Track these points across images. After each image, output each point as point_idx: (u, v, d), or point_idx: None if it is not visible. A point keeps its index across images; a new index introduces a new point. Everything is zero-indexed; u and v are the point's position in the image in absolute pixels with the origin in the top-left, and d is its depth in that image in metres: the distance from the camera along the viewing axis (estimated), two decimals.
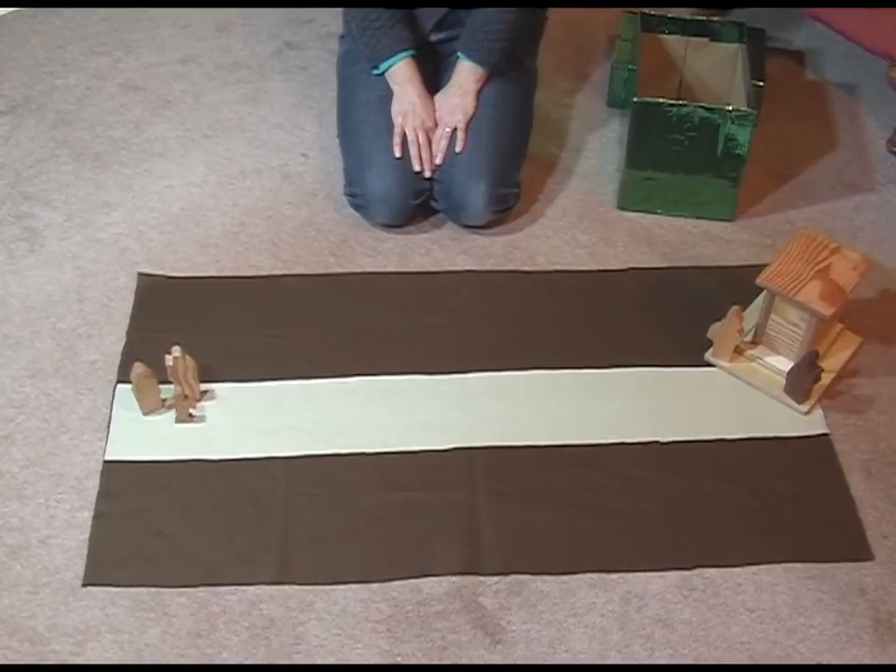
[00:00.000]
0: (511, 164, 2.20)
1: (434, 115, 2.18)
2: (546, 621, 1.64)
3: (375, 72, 2.18)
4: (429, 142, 2.16)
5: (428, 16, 2.19)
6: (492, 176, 2.13)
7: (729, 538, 1.73)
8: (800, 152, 2.41)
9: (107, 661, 1.58)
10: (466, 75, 2.17)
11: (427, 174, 2.15)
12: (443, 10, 2.19)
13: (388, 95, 2.19)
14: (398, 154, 2.13)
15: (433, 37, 2.22)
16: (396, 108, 2.17)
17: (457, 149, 2.14)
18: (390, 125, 2.16)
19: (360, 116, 2.20)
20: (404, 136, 2.15)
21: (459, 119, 2.15)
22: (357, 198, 2.18)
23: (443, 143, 2.15)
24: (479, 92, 2.17)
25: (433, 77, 2.23)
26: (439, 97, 2.20)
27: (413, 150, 2.14)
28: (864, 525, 1.75)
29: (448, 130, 2.15)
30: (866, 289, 2.04)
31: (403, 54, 2.15)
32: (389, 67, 2.16)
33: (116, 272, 2.12)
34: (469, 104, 2.16)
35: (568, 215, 2.26)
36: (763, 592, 1.67)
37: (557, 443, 1.85)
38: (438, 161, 2.15)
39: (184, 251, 2.16)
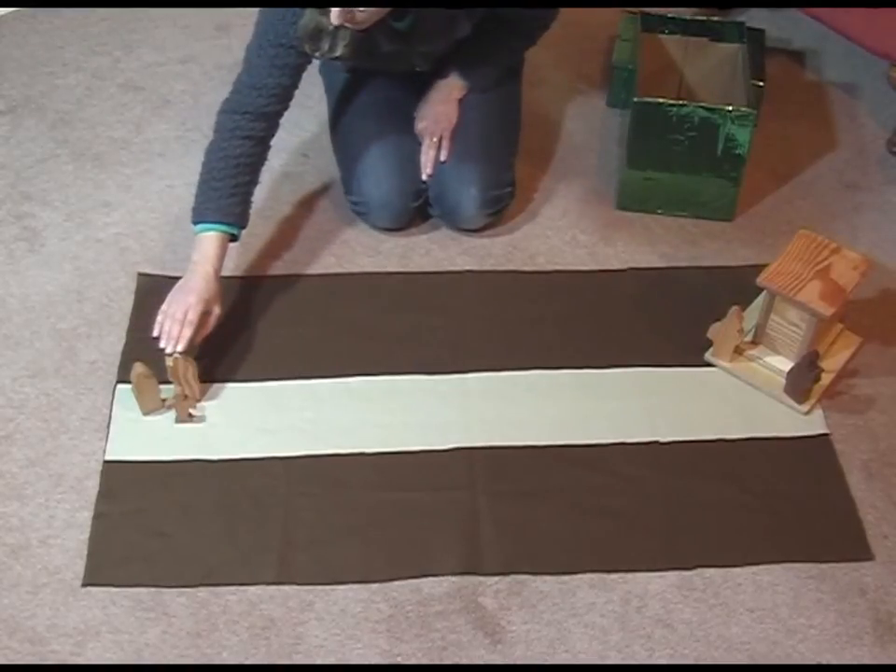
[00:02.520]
0: (501, 166, 2.19)
1: (207, 302, 1.88)
2: (546, 621, 1.64)
3: (194, 228, 1.94)
4: (182, 320, 1.84)
5: (403, 73, 2.17)
6: (483, 181, 2.13)
7: (729, 538, 1.73)
8: (800, 152, 2.41)
9: (107, 661, 1.58)
10: (452, 86, 2.17)
11: (163, 345, 1.84)
12: (418, 70, 2.14)
13: (376, 100, 2.19)
14: (156, 333, 1.86)
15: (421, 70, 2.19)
16: (176, 287, 1.90)
17: (442, 158, 2.14)
18: (381, 131, 2.16)
19: (350, 125, 2.20)
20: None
21: (444, 128, 2.15)
22: (358, 205, 2.18)
23: (432, 153, 2.15)
24: (461, 99, 2.18)
25: (414, 93, 2.21)
26: (422, 106, 2.19)
27: (157, 322, 1.85)
28: (864, 524, 1.75)
29: (435, 140, 2.15)
30: (866, 289, 2.04)
31: (221, 227, 1.92)
32: (202, 231, 1.93)
33: (116, 272, 2.12)
34: (451, 111, 2.16)
35: (568, 215, 2.26)
36: (763, 592, 1.67)
37: (557, 443, 1.85)
38: (429, 170, 2.15)
39: (184, 251, 2.15)
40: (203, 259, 1.91)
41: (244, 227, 1.98)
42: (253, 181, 1.97)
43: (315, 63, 2.15)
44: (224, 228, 1.93)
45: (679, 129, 2.12)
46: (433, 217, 2.23)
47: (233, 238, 1.96)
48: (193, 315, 1.85)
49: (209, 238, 1.92)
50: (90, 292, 2.08)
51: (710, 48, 2.37)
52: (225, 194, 1.92)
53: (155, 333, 1.85)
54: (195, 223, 1.94)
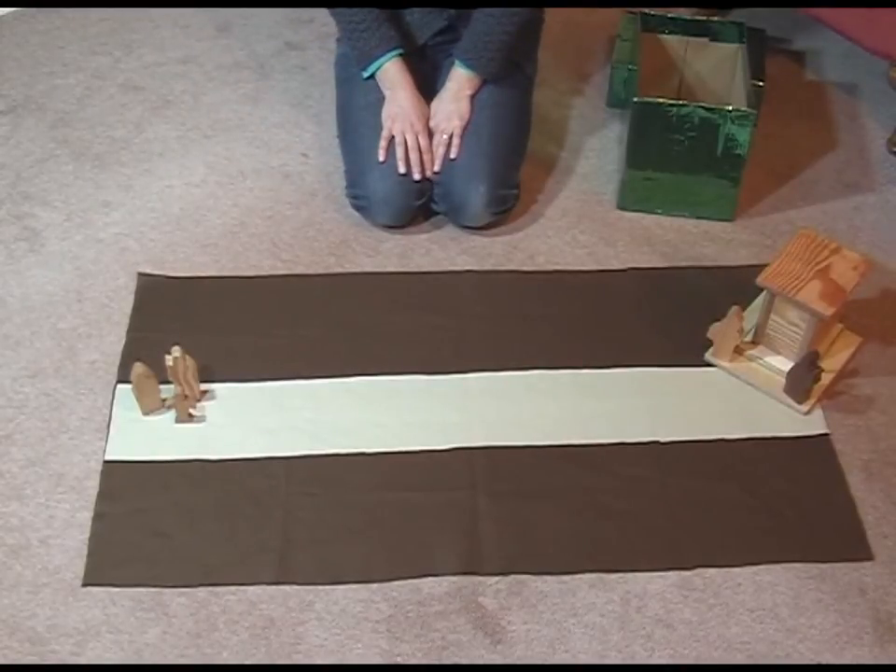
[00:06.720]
0: (510, 166, 2.20)
1: (425, 117, 2.17)
2: (546, 621, 1.64)
3: (364, 74, 2.17)
4: (419, 145, 2.14)
5: (429, 25, 2.19)
6: (491, 178, 2.13)
7: (729, 538, 1.73)
8: (800, 152, 2.41)
9: (107, 661, 1.58)
10: (461, 81, 2.17)
11: (416, 177, 2.13)
12: (443, 22, 2.18)
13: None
14: (382, 158, 2.12)
15: (430, 42, 2.22)
16: (385, 111, 2.16)
17: (452, 155, 2.14)
18: None
19: (360, 117, 2.20)
20: (391, 140, 2.14)
21: (456, 125, 2.15)
22: (359, 199, 2.18)
23: (441, 150, 2.15)
24: (473, 97, 2.18)
25: (428, 80, 2.23)
26: (434, 104, 2.20)
27: (399, 152, 2.13)
28: (864, 525, 1.75)
29: (445, 137, 2.15)
30: (866, 289, 2.04)
31: (391, 54, 2.14)
32: (378, 69, 2.15)
33: (116, 272, 2.12)
34: (464, 109, 2.17)
35: (568, 215, 2.26)
36: (763, 592, 1.67)
37: (557, 443, 1.85)
38: (437, 167, 2.15)
39: (184, 251, 2.16)
40: (396, 85, 2.15)
41: (405, 46, 2.16)
42: (384, 12, 2.13)
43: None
44: (393, 53, 2.14)
45: (679, 129, 2.12)
46: (434, 217, 2.23)
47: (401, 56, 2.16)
48: (424, 140, 2.14)
49: (388, 68, 2.15)
50: (90, 292, 2.08)
51: (710, 48, 2.37)
52: (375, 27, 2.11)
53: (402, 170, 2.11)
54: (364, 69, 2.16)
